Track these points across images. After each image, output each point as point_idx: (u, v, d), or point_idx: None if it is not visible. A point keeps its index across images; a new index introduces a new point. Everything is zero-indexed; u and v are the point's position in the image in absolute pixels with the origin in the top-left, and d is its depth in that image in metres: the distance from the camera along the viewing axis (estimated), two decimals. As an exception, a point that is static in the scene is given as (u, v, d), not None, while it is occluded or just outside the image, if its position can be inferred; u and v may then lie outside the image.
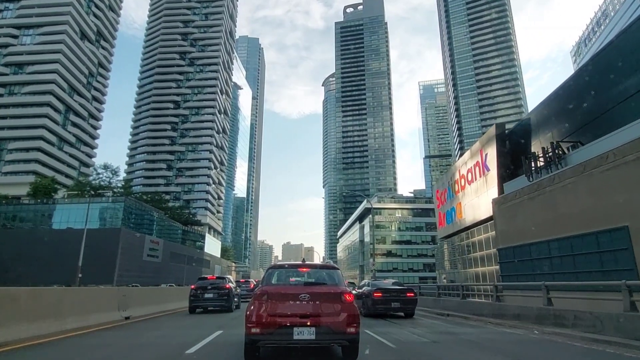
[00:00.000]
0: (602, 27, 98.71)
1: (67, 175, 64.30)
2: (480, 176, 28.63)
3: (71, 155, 67.03)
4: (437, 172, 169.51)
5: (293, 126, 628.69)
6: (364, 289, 16.49)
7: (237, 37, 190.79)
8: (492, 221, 26.63)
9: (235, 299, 15.26)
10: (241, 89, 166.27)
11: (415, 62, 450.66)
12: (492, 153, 26.44)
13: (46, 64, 63.71)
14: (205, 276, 15.18)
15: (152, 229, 60.96)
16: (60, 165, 64.44)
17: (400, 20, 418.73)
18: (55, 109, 64.05)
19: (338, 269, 6.17)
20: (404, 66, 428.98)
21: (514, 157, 25.56)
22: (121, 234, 45.82)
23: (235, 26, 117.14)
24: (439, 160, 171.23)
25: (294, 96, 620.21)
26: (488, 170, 27.18)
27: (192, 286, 13.95)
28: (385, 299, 14.48)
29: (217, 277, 15.06)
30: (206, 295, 13.39)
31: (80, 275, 32.44)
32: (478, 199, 28.96)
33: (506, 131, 26.88)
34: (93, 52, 73.87)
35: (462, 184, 32.55)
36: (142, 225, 58.22)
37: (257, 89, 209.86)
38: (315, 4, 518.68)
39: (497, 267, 25.95)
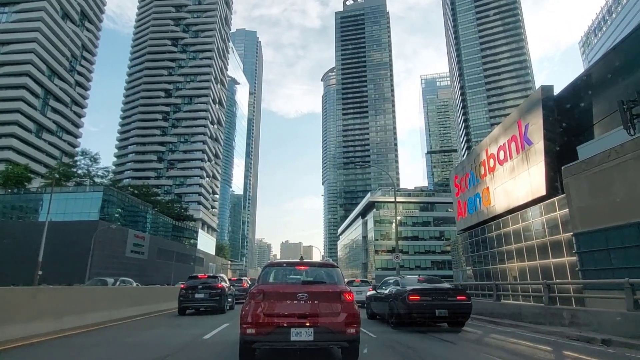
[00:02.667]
0: (614, 16, 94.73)
1: (46, 165, 59.02)
2: (517, 153, 23.69)
3: (51, 144, 61.74)
4: (438, 169, 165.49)
5: (290, 125, 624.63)
6: (389, 289, 11.57)
7: (234, 30, 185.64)
8: (534, 206, 21.88)
9: (229, 299, 14.55)
10: (238, 83, 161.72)
11: (412, 61, 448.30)
12: (536, 122, 21.52)
13: (23, 43, 58.39)
14: (197, 275, 14.32)
15: (139, 224, 55.98)
16: (38, 154, 59.20)
17: (397, 19, 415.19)
18: (33, 93, 58.75)
19: (338, 267, 5.94)
20: (401, 65, 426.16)
21: (568, 123, 20.76)
22: (99, 227, 40.67)
23: (231, 13, 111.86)
24: (440, 157, 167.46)
25: (291, 95, 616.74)
26: (530, 143, 22.24)
27: (182, 285, 13.41)
28: (427, 304, 9.75)
29: (209, 276, 14.04)
30: (197, 295, 12.71)
31: (40, 272, 27.46)
32: (514, 180, 24.06)
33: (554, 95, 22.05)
34: (76, 33, 68.54)
35: (491, 165, 27.60)
36: (131, 220, 53.32)
37: (255, 83, 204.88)
38: (312, 2, 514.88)
39: (542, 262, 21.14)
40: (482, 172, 28.98)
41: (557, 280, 19.88)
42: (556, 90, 22.00)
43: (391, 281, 12.63)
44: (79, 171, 47.38)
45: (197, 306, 12.98)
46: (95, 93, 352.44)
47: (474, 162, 30.84)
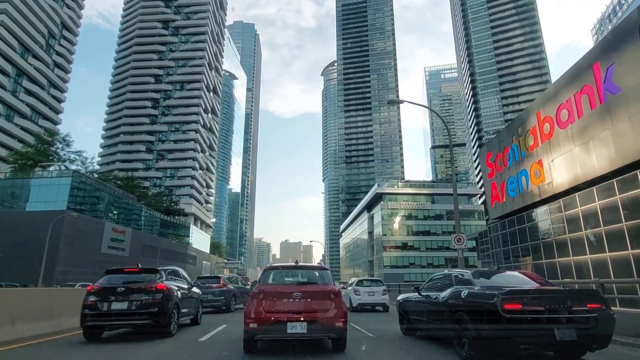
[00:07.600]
0: (630, 0, 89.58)
1: (17, 153, 52.91)
2: (592, 108, 17.43)
3: (23, 129, 55.55)
4: (442, 165, 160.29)
5: (288, 125, 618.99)
6: (450, 290, 6.32)
7: (231, 22, 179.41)
8: (621, 177, 15.95)
9: (190, 309, 8.85)
10: (236, 78, 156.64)
11: (408, 61, 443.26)
12: (630, 58, 15.18)
13: (-10, 15, 52.33)
14: (120, 268, 8.04)
15: (121, 217, 50.00)
16: (9, 140, 53.09)
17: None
18: (2, 71, 52.65)
19: (328, 270, 6.45)
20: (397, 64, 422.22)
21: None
22: (65, 219, 34.60)
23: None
24: (444, 153, 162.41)
25: (287, 95, 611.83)
26: (616, 90, 15.99)
27: (89, 287, 7.39)
28: (539, 319, 4.82)
29: (142, 270, 7.73)
30: (114, 306, 6.92)
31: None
32: (585, 146, 17.88)
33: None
34: (54, 9, 62.41)
35: (546, 131, 21.37)
36: (111, 213, 47.42)
37: (253, 78, 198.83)
38: (307, 2, 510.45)
39: (638, 252, 15.15)
40: (531, 142, 22.86)
41: (618, 279, 14.18)
42: None
43: (450, 278, 6.90)
44: (50, 156, 41.31)
45: (116, 325, 7.26)
46: (94, 94, 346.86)
47: (517, 132, 24.72)
